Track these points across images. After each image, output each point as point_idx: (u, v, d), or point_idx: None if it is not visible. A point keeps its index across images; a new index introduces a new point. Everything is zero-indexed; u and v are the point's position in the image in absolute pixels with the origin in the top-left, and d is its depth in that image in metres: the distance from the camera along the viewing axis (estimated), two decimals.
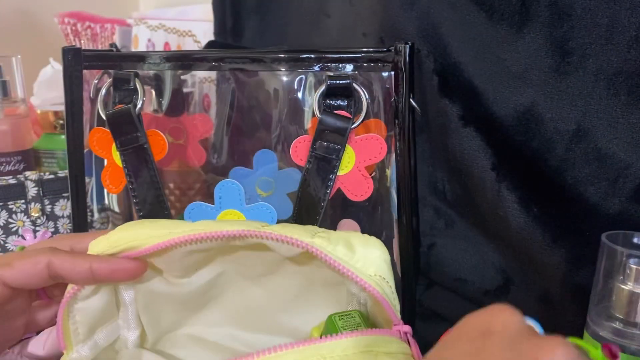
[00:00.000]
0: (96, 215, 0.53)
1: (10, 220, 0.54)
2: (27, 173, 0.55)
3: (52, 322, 0.36)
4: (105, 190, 0.50)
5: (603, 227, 0.35)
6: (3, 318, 0.33)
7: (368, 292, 0.31)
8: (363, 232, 0.45)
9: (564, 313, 0.41)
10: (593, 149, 0.37)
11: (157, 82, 0.49)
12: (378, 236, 0.46)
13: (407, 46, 0.39)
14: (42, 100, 0.72)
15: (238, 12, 0.72)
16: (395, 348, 0.30)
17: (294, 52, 0.41)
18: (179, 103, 0.50)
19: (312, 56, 0.41)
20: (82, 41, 0.90)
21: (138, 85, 0.42)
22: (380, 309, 0.32)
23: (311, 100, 0.43)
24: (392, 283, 0.33)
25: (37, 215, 0.55)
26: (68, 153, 0.45)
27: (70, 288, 0.33)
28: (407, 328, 0.32)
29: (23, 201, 0.54)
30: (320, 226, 0.40)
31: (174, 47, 0.86)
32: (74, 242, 0.36)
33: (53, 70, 0.74)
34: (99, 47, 0.91)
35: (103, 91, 0.43)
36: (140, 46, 0.86)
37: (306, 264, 0.37)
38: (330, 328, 0.33)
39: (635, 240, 0.34)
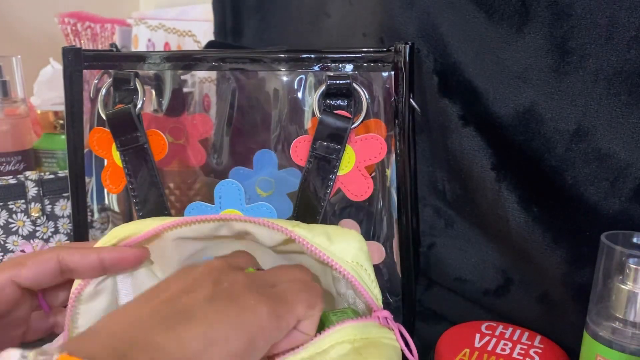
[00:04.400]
0: (96, 215, 0.53)
1: (10, 220, 0.54)
2: (27, 173, 0.55)
3: (48, 332, 0.37)
4: (106, 190, 0.50)
5: (603, 227, 0.35)
6: (4, 328, 0.33)
7: (345, 278, 0.33)
8: (363, 232, 0.45)
9: (563, 313, 0.41)
10: (593, 148, 0.37)
11: (157, 82, 0.49)
12: (378, 236, 0.46)
13: (407, 46, 0.39)
14: (42, 100, 0.72)
15: (238, 12, 0.72)
16: (375, 333, 0.31)
17: (294, 52, 0.41)
18: (179, 103, 0.50)
19: (312, 56, 0.41)
20: (82, 41, 0.90)
21: (138, 85, 0.42)
22: (361, 298, 0.33)
23: (311, 100, 0.43)
24: (370, 272, 0.34)
25: (37, 215, 0.55)
26: (68, 153, 0.45)
27: (76, 285, 0.33)
28: (386, 313, 0.33)
29: (23, 201, 0.54)
30: None
31: (174, 47, 0.86)
32: (77, 246, 0.36)
33: (53, 70, 0.74)
34: (99, 47, 0.91)
35: (103, 91, 0.43)
36: (140, 46, 0.86)
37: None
38: (324, 323, 0.33)
39: (634, 240, 0.33)
